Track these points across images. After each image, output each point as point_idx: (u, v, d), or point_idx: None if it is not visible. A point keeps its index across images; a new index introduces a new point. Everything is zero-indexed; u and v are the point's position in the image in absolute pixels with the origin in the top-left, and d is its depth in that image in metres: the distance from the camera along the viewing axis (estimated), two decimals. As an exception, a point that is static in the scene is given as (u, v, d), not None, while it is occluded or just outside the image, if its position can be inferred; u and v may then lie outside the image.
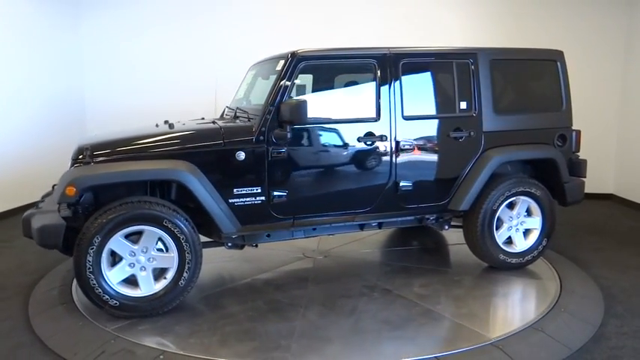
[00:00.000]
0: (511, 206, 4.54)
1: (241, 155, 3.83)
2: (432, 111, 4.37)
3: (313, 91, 4.32)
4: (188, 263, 3.67)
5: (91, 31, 8.05)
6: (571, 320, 3.63)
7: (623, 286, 4.36)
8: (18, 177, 6.78)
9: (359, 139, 4.08)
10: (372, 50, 4.18)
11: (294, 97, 3.94)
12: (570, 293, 4.07)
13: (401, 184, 4.23)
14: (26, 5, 6.99)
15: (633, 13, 7.43)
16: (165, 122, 4.37)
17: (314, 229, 4.24)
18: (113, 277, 3.58)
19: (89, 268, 3.46)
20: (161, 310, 3.67)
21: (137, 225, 3.56)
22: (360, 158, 4.15)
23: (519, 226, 4.59)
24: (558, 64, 4.69)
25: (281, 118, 3.83)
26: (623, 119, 7.56)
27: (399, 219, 4.41)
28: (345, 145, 4.09)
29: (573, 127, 4.78)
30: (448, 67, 4.37)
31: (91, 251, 3.45)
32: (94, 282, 3.49)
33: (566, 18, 7.55)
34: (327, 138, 4.08)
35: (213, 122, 4.20)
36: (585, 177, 4.84)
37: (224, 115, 4.77)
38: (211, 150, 3.81)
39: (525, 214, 4.62)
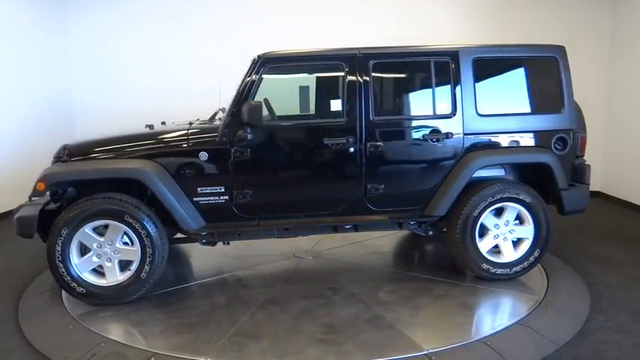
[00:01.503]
0: (500, 213, 4.28)
1: (204, 156, 3.99)
2: (406, 112, 4.24)
3: (280, 93, 4.36)
4: (149, 257, 3.89)
5: (78, 32, 8.00)
6: (557, 316, 3.68)
7: (608, 281, 4.44)
8: (5, 181, 6.72)
9: (324, 141, 4.06)
10: (341, 51, 4.14)
11: (256, 99, 4.00)
12: (557, 289, 4.11)
13: (370, 186, 4.15)
14: (12, 7, 6.93)
15: (617, 10, 7.52)
16: (162, 123, 4.64)
17: (286, 229, 4.28)
18: (81, 266, 3.88)
19: (58, 257, 3.79)
20: (125, 300, 3.92)
21: (103, 219, 3.84)
22: (327, 160, 4.13)
23: (508, 235, 4.31)
24: (559, 61, 4.33)
25: (241, 120, 3.92)
26: (610, 117, 7.56)
27: (373, 222, 4.32)
28: (310, 147, 4.10)
29: (577, 130, 4.39)
30: (425, 67, 4.20)
31: (60, 242, 3.78)
32: (63, 270, 3.82)
33: (551, 14, 7.65)
34: (291, 139, 4.12)
35: (190, 123, 4.39)
36: (588, 184, 4.43)
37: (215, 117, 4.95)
38: (176, 150, 4.01)
39: (517, 222, 4.33)
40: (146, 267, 3.90)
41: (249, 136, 3.95)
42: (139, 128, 4.41)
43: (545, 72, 4.40)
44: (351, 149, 4.07)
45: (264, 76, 4.03)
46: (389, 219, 4.29)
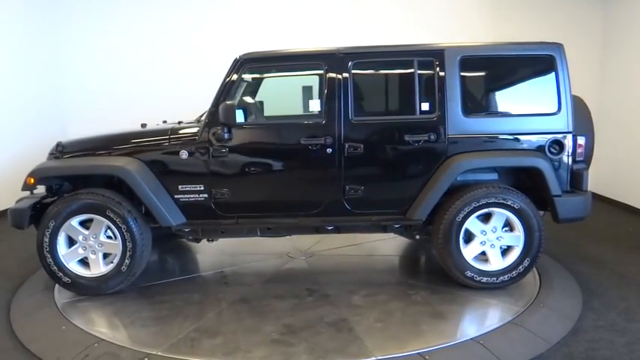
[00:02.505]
0: (488, 219, 4.11)
1: (184, 154, 4.10)
2: (386, 113, 4.15)
3: (260, 92, 4.39)
4: (129, 251, 4.05)
5: (70, 32, 8.02)
6: (550, 315, 3.70)
7: (599, 280, 4.47)
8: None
9: (302, 142, 4.06)
10: (320, 51, 4.12)
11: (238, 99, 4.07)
12: (549, 288, 4.13)
13: (348, 188, 4.10)
14: (5, 7, 6.99)
15: (608, 9, 7.51)
16: (163, 122, 4.81)
17: (268, 228, 4.32)
18: (68, 257, 4.09)
19: (46, 248, 4.03)
20: (107, 291, 4.10)
21: (87, 214, 4.04)
22: (305, 161, 4.11)
23: (496, 242, 4.12)
24: (555, 59, 4.09)
25: (219, 120, 4.00)
26: (601, 117, 7.13)
27: (353, 224, 4.27)
28: (288, 147, 4.11)
29: (576, 133, 4.13)
30: (408, 66, 4.09)
31: (47, 233, 4.01)
32: (50, 260, 4.04)
33: (541, 12, 7.64)
34: (268, 139, 4.15)
35: (179, 123, 4.52)
36: (585, 190, 4.15)
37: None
38: (157, 149, 4.14)
39: (507, 228, 4.14)
40: (126, 261, 4.05)
41: (226, 136, 4.01)
42: (134, 127, 4.58)
43: (541, 71, 4.17)
44: (329, 150, 4.04)
45: (243, 76, 4.08)
46: (369, 222, 4.22)
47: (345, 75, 4.03)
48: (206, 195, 4.13)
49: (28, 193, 4.22)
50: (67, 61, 8.10)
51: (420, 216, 4.09)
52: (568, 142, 4.11)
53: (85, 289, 4.10)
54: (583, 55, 7.45)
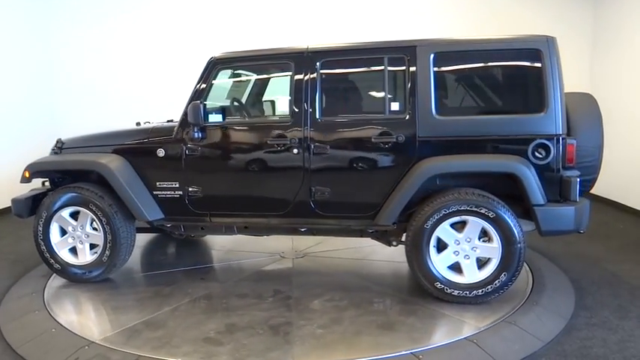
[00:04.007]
0: (462, 227, 3.83)
1: (161, 152, 4.26)
2: (354, 113, 4.01)
3: (233, 92, 4.42)
4: (109, 243, 4.29)
5: (62, 34, 8.09)
6: (543, 313, 3.72)
7: (592, 278, 4.48)
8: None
9: (270, 142, 4.04)
10: (289, 50, 4.06)
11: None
12: (542, 287, 4.15)
13: (315, 189, 4.02)
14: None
15: (598, 6, 7.53)
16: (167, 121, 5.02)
17: (245, 227, 4.36)
18: (59, 245, 4.42)
19: (40, 236, 4.38)
20: (91, 279, 4.38)
21: (74, 206, 4.33)
22: (272, 161, 4.09)
23: (471, 253, 3.82)
24: (543, 54, 3.69)
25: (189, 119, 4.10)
26: None
27: (323, 227, 4.18)
28: (255, 147, 4.11)
29: (565, 135, 3.72)
30: (378, 64, 3.91)
31: (41, 223, 4.36)
32: (43, 247, 4.39)
33: (531, 11, 7.64)
34: (237, 139, 4.17)
35: (169, 121, 4.69)
36: (575, 200, 3.71)
37: None
38: (138, 146, 4.34)
39: (486, 238, 3.82)
40: (107, 252, 4.30)
41: (196, 135, 4.10)
42: (129, 126, 4.84)
43: (525, 67, 3.81)
44: (296, 150, 3.99)
45: (217, 76, 4.15)
46: (338, 224, 4.11)
47: (313, 74, 3.95)
48: (181, 192, 4.25)
49: (28, 185, 4.60)
50: (58, 61, 8.16)
51: (387, 221, 3.90)
52: (556, 146, 3.69)
53: (73, 276, 4.40)
54: (574, 53, 7.41)
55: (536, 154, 3.72)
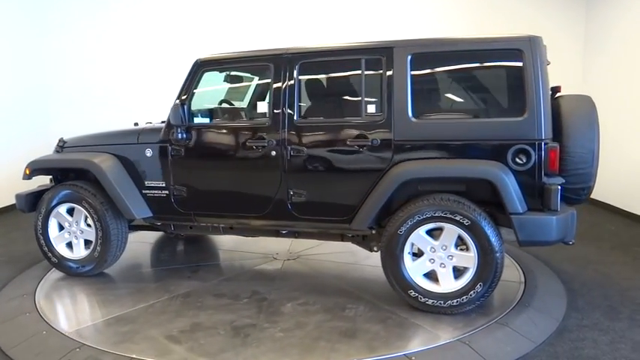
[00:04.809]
0: (440, 234, 3.70)
1: (149, 152, 4.37)
2: (330, 116, 3.96)
3: (217, 94, 4.46)
4: (100, 239, 4.45)
5: (56, 30, 8.10)
6: (535, 315, 3.73)
7: (583, 280, 4.50)
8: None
9: (249, 144, 4.06)
10: (269, 52, 4.06)
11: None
12: (534, 288, 4.16)
13: (292, 192, 4.00)
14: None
15: (591, 6, 7.56)
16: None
17: (231, 227, 4.41)
18: (57, 240, 4.63)
19: (39, 230, 4.61)
20: (84, 273, 4.56)
21: (69, 203, 4.53)
22: (251, 162, 4.11)
23: (447, 261, 3.69)
24: (525, 54, 3.50)
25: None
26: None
27: (302, 230, 4.16)
28: (236, 149, 4.13)
29: (548, 140, 3.52)
30: (355, 66, 3.84)
31: (40, 218, 4.59)
32: (42, 241, 4.62)
33: (523, 10, 7.63)
34: (218, 140, 4.22)
35: (162, 122, 4.79)
36: (556, 210, 3.49)
37: None
38: (128, 147, 4.47)
39: (464, 247, 3.68)
40: (98, 247, 4.46)
41: (179, 136, 4.18)
42: (128, 126, 4.98)
43: (506, 68, 3.63)
44: (274, 152, 3.98)
45: (201, 78, 4.21)
46: (315, 228, 4.07)
47: (292, 76, 3.93)
48: (167, 191, 4.35)
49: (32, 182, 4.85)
50: (50, 61, 8.20)
51: (361, 226, 3.83)
52: (537, 151, 3.49)
53: (68, 270, 4.60)
54: (566, 55, 7.47)
55: (517, 159, 3.54)
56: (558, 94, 4.04)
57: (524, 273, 4.46)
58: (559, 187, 3.46)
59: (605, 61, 7.23)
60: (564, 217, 3.53)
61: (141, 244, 5.57)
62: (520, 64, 3.51)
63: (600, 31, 7.38)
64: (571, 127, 3.80)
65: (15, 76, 7.66)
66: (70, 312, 3.99)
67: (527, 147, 3.50)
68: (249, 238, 4.93)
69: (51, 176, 4.90)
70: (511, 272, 4.45)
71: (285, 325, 3.57)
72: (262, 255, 5.10)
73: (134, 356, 3.18)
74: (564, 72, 6.80)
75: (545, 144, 3.48)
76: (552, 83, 4.13)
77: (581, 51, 7.75)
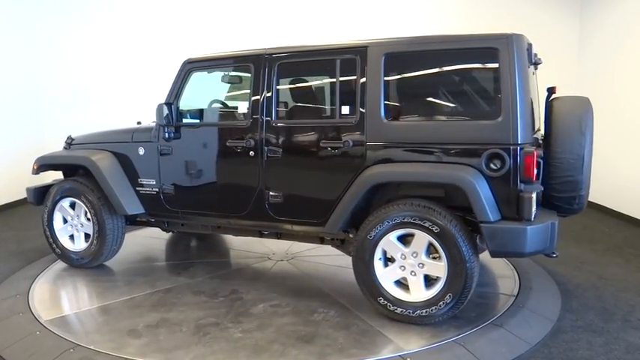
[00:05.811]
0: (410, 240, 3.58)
1: (141, 150, 4.51)
2: (305, 117, 3.91)
3: (205, 94, 4.50)
4: (96, 233, 4.64)
5: (47, 30, 8.15)
6: (529, 316, 3.75)
7: (577, 281, 4.52)
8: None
9: (228, 143, 4.08)
10: (250, 52, 4.06)
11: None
12: (528, 290, 4.17)
13: (269, 193, 3.99)
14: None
15: (585, 6, 7.54)
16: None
17: (218, 227, 4.47)
18: (61, 232, 4.87)
19: (46, 223, 4.87)
20: (84, 265, 4.77)
21: (71, 197, 4.75)
22: (230, 162, 4.14)
23: (417, 270, 3.55)
24: (501, 54, 3.30)
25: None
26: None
27: (281, 231, 4.14)
28: (217, 149, 4.18)
29: (525, 145, 3.30)
30: (331, 66, 3.76)
31: (46, 211, 4.84)
32: (48, 233, 4.87)
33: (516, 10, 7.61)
34: (203, 140, 4.26)
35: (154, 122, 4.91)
36: (530, 219, 3.26)
37: None
38: (123, 145, 4.63)
39: (437, 255, 3.53)
40: (94, 241, 4.65)
41: (166, 135, 4.28)
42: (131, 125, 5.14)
43: (481, 69, 3.44)
44: (252, 153, 3.99)
45: (188, 78, 4.29)
46: (291, 229, 4.04)
47: (270, 76, 3.92)
48: (157, 189, 4.46)
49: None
50: (44, 61, 8.24)
51: (333, 229, 3.76)
52: (512, 156, 3.28)
53: (70, 261, 4.83)
54: (560, 59, 7.41)
55: (491, 165, 3.33)
56: (554, 96, 3.79)
57: (519, 274, 4.46)
58: (533, 196, 3.23)
59: (602, 67, 7.13)
60: (541, 228, 3.29)
61: (155, 239, 5.73)
62: (496, 63, 3.30)
63: (593, 34, 7.34)
64: (559, 131, 3.56)
65: (6, 80, 7.63)
66: (77, 320, 3.85)
67: (501, 151, 3.29)
68: (255, 238, 4.93)
69: (62, 172, 5.15)
70: (505, 273, 4.51)
71: (247, 326, 3.57)
72: (259, 255, 5.12)
73: (92, 347, 3.29)
74: (560, 72, 6.80)
75: (520, 149, 3.26)
76: (549, 84, 3.90)
77: (575, 59, 7.72)
